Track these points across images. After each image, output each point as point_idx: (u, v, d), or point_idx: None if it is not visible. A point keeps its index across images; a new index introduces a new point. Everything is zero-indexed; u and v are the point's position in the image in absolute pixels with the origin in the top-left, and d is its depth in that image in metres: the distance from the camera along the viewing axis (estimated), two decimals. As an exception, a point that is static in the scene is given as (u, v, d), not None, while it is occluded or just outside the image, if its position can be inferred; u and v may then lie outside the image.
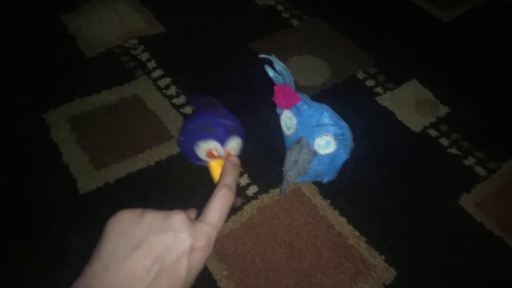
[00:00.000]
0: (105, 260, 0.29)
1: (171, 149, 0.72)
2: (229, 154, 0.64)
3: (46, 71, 0.84)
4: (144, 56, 0.86)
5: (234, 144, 0.64)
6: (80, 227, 0.64)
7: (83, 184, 0.68)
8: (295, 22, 0.98)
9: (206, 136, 0.62)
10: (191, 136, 0.63)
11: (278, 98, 0.65)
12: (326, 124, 0.61)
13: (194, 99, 0.67)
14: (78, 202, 0.66)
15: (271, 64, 0.63)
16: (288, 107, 0.64)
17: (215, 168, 0.65)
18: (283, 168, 0.64)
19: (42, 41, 0.90)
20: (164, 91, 0.81)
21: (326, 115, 0.61)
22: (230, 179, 0.38)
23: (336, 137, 0.62)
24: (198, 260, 0.30)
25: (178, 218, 0.31)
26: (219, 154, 0.63)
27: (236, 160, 0.41)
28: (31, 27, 0.92)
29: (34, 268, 0.60)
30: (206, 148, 0.62)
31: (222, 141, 0.62)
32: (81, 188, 0.67)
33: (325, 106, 0.61)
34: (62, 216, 0.65)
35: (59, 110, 0.77)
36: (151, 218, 0.30)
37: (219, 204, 0.34)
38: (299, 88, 0.83)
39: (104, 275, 0.28)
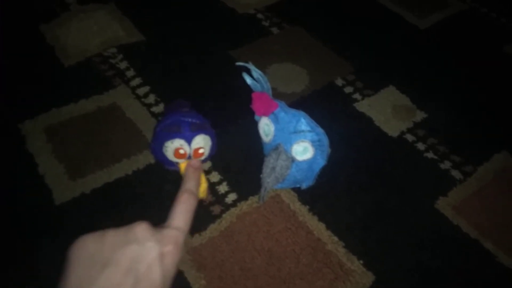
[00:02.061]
0: (76, 285, 0.28)
1: (149, 158, 0.72)
2: (197, 152, 0.64)
3: (23, 80, 0.83)
4: (123, 65, 0.86)
5: (201, 141, 0.63)
6: (56, 239, 0.62)
7: (58, 195, 0.67)
8: (275, 30, 0.98)
9: (170, 135, 0.61)
10: (158, 139, 0.62)
11: (256, 105, 0.65)
12: (303, 131, 0.62)
13: (167, 105, 0.67)
14: (53, 213, 0.65)
15: (248, 72, 0.64)
16: (265, 114, 0.64)
17: (184, 168, 0.64)
18: (261, 175, 0.64)
19: (20, 50, 0.89)
20: (143, 99, 0.80)
21: (303, 122, 0.61)
22: (192, 184, 0.39)
23: (313, 143, 0.62)
24: (170, 264, 0.30)
25: (140, 229, 0.31)
26: (185, 152, 0.62)
27: (197, 164, 0.42)
28: (9, 36, 0.91)
29: (7, 281, 0.58)
30: (173, 147, 0.62)
31: (187, 139, 0.61)
32: (56, 199, 0.66)
33: (302, 113, 0.62)
34: (38, 228, 0.64)
35: (35, 120, 0.76)
36: (113, 235, 0.30)
37: (182, 208, 0.35)
38: (279, 95, 0.84)
39: None
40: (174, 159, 0.64)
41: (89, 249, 0.30)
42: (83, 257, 0.30)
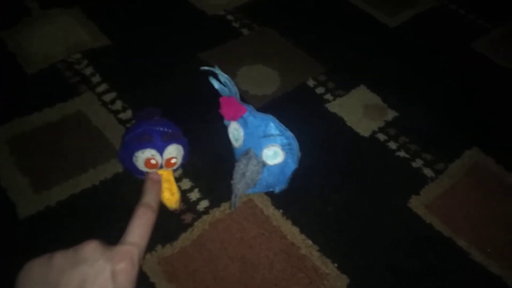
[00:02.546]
0: None
1: (117, 167, 0.70)
2: (169, 162, 0.62)
3: (-17, 90, 0.80)
4: (88, 71, 0.84)
5: (173, 151, 0.62)
6: (21, 255, 0.60)
7: (22, 209, 0.64)
8: (245, 31, 0.97)
9: (141, 145, 0.60)
10: (128, 148, 0.60)
11: (224, 110, 0.64)
12: (272, 135, 0.61)
13: (137, 114, 0.65)
14: (18, 228, 0.63)
15: (215, 76, 0.62)
16: (234, 118, 0.63)
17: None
18: (231, 181, 0.63)
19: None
20: (109, 106, 0.78)
21: (272, 126, 0.60)
22: (150, 197, 0.37)
23: (283, 147, 0.61)
24: (124, 282, 0.29)
25: (89, 248, 0.29)
26: (157, 162, 0.61)
27: (157, 177, 0.40)
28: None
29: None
30: (143, 157, 0.60)
31: (159, 149, 0.60)
32: (20, 213, 0.64)
33: (270, 117, 0.61)
34: (2, 243, 0.61)
35: (-3, 131, 0.73)
36: (61, 257, 0.28)
37: (138, 223, 0.33)
38: (250, 98, 0.83)
39: None
40: (145, 169, 0.63)
41: (36, 274, 0.29)
42: (31, 283, 0.28)
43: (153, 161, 0.61)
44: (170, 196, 0.63)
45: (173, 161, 0.63)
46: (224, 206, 0.67)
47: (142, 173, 0.64)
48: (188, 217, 0.65)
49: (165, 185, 0.63)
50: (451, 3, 1.12)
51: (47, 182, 0.67)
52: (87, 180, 0.68)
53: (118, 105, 0.78)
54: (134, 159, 0.61)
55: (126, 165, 0.64)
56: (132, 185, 0.67)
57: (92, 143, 0.73)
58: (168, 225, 0.64)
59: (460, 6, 1.11)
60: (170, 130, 0.60)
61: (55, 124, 0.75)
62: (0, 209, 0.64)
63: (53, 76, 0.83)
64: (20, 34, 0.90)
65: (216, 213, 0.66)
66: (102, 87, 0.81)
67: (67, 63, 0.85)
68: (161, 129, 0.60)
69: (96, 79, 0.82)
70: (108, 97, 0.79)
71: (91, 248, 0.29)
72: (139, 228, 0.33)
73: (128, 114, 0.77)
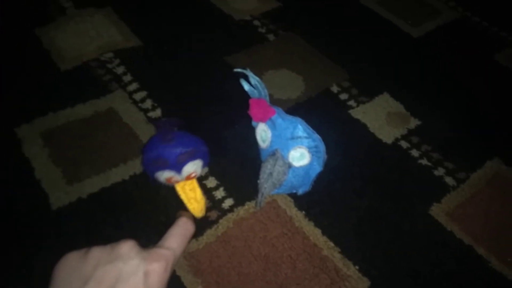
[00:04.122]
0: None
1: (146, 162, 0.72)
2: (189, 177, 0.64)
3: (19, 84, 0.83)
4: (120, 70, 0.86)
5: (191, 168, 0.64)
6: (53, 244, 0.62)
7: (55, 200, 0.67)
8: (271, 37, 0.99)
9: (159, 168, 0.61)
10: (148, 169, 0.63)
11: (253, 111, 0.66)
12: (300, 137, 0.63)
13: (155, 123, 0.67)
14: (50, 218, 0.65)
15: (246, 78, 0.64)
16: (263, 120, 0.65)
17: (179, 189, 0.65)
18: (258, 181, 0.65)
19: (15, 54, 0.89)
20: (139, 104, 0.81)
21: (300, 128, 0.62)
22: (190, 215, 0.38)
23: (310, 149, 0.63)
24: (155, 284, 0.29)
25: (126, 246, 0.30)
26: (177, 180, 0.63)
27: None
28: (4, 40, 0.91)
29: (4, 286, 0.58)
30: (164, 177, 0.63)
31: (177, 170, 0.62)
32: (53, 204, 0.66)
33: (299, 119, 0.63)
34: (34, 233, 0.64)
35: (32, 124, 0.76)
36: (97, 252, 0.30)
37: (177, 231, 0.34)
38: (275, 102, 0.85)
39: None
40: (167, 184, 0.65)
41: (72, 266, 0.30)
42: (65, 273, 0.30)
43: (173, 179, 0.64)
44: (196, 204, 0.65)
45: (192, 175, 0.66)
46: (248, 205, 0.69)
47: (160, 181, 0.66)
48: (213, 214, 0.67)
49: (190, 195, 0.66)
50: (474, 15, 1.13)
51: (79, 175, 0.70)
52: (117, 175, 0.70)
53: (148, 103, 0.81)
54: (155, 176, 0.63)
55: (150, 176, 0.65)
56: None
57: (122, 139, 0.75)
58: (194, 221, 0.66)
59: (483, 19, 1.12)
60: (186, 150, 0.62)
61: (87, 119, 0.77)
62: (34, 199, 0.67)
63: (86, 73, 0.86)
64: (55, 32, 0.93)
65: (241, 211, 0.68)
66: (133, 86, 0.83)
67: (100, 61, 0.88)
68: (176, 151, 0.61)
69: (127, 78, 0.85)
70: (138, 96, 0.82)
71: (128, 247, 0.30)
72: (178, 236, 0.34)
73: (157, 113, 0.79)
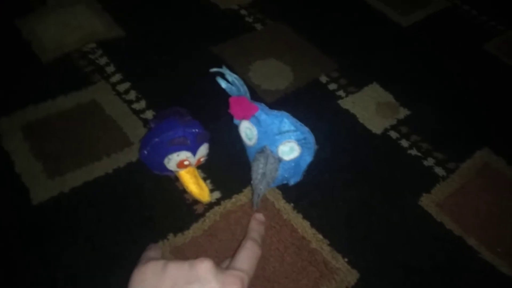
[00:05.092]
0: None
1: (130, 156, 0.70)
2: (198, 161, 0.64)
3: (-2, 76, 0.80)
4: (103, 61, 0.84)
5: (204, 150, 0.64)
6: (34, 239, 0.61)
7: (36, 194, 0.64)
8: (258, 26, 0.97)
9: (177, 148, 0.60)
10: (159, 149, 0.61)
11: (234, 110, 0.64)
12: (287, 131, 0.61)
13: (162, 112, 0.66)
14: (31, 213, 0.63)
15: (223, 76, 0.62)
16: (246, 118, 0.63)
17: (185, 176, 0.64)
18: (251, 182, 0.63)
19: (-6, 45, 0.86)
20: (123, 96, 0.78)
21: (287, 122, 0.60)
22: (256, 234, 0.39)
23: (299, 141, 0.61)
24: None
25: (203, 267, 0.30)
26: (189, 163, 0.62)
27: (262, 218, 0.42)
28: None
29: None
30: (178, 159, 0.61)
31: (193, 151, 0.62)
32: (34, 199, 0.64)
33: (284, 113, 0.61)
34: (14, 228, 0.62)
35: (11, 117, 0.73)
36: (175, 270, 0.30)
37: (247, 254, 0.35)
38: (263, 92, 0.83)
39: None
40: (175, 169, 0.63)
41: (149, 279, 0.29)
42: (143, 286, 0.30)
43: (186, 162, 0.63)
44: (201, 190, 0.64)
45: (202, 159, 0.65)
46: (236, 197, 0.68)
47: (167, 170, 0.65)
48: (200, 208, 0.66)
49: (193, 181, 0.65)
50: (464, 3, 1.12)
51: (61, 169, 0.68)
52: (100, 168, 0.68)
53: (132, 95, 0.79)
54: (166, 160, 0.62)
55: (150, 163, 0.64)
56: (144, 174, 0.68)
57: (105, 131, 0.73)
58: (180, 214, 0.65)
59: (473, 7, 1.11)
60: (201, 131, 0.61)
61: (69, 112, 0.75)
62: (14, 194, 0.65)
63: (67, 64, 0.83)
64: (35, 22, 0.90)
65: (228, 204, 0.67)
66: (116, 77, 0.81)
67: (82, 52, 0.85)
68: (195, 130, 0.61)
69: (110, 69, 0.82)
70: (122, 87, 0.80)
71: (206, 268, 0.29)
72: (248, 259, 0.35)
73: (142, 104, 0.77)
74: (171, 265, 0.30)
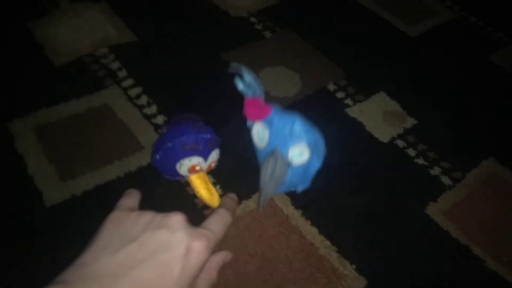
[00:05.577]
0: (97, 251, 0.29)
1: (141, 160, 0.71)
2: (209, 166, 0.65)
3: (11, 79, 0.81)
4: (115, 65, 0.85)
5: (215, 156, 0.65)
6: (46, 241, 0.61)
7: (49, 197, 0.65)
8: (267, 34, 0.99)
9: (189, 153, 0.61)
10: (171, 154, 0.62)
11: (248, 111, 0.65)
12: (299, 133, 0.62)
13: (172, 117, 0.67)
14: (43, 216, 0.64)
15: (241, 76, 0.63)
16: (259, 119, 0.64)
17: (196, 181, 0.65)
18: (260, 184, 0.64)
19: (7, 48, 0.87)
20: (135, 100, 0.79)
21: (299, 123, 0.61)
22: (229, 205, 0.39)
23: (310, 145, 0.62)
24: (194, 262, 0.30)
25: (176, 218, 0.31)
26: (201, 168, 0.63)
27: (235, 197, 0.41)
28: (-4, 33, 0.89)
29: (-4, 285, 0.57)
30: (189, 165, 0.62)
31: (205, 156, 0.62)
32: (46, 201, 0.65)
33: (297, 115, 0.62)
34: (27, 230, 0.63)
35: (24, 120, 0.74)
36: (149, 216, 0.31)
37: (218, 218, 0.35)
38: (272, 99, 0.84)
39: (94, 264, 0.28)
40: (186, 174, 0.64)
41: (121, 221, 0.31)
42: (113, 228, 0.31)
43: (197, 167, 0.63)
44: (211, 196, 0.65)
45: (213, 165, 0.66)
46: (245, 203, 0.68)
47: (178, 175, 0.65)
48: (210, 212, 0.66)
49: (203, 186, 0.65)
50: (471, 15, 1.13)
51: (73, 172, 0.69)
52: (112, 172, 0.69)
53: (144, 100, 0.80)
54: (177, 165, 0.62)
55: (162, 168, 0.65)
56: (155, 179, 0.69)
57: (117, 135, 0.74)
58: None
59: (479, 19, 1.12)
60: (213, 137, 0.62)
61: (81, 115, 0.76)
62: (27, 196, 0.66)
63: (80, 68, 0.84)
64: (48, 26, 0.91)
65: (237, 210, 0.67)
66: (128, 82, 0.82)
67: (94, 56, 0.86)
68: (207, 136, 0.62)
69: (122, 73, 0.84)
70: (133, 92, 0.81)
71: (177, 219, 0.31)
72: (218, 222, 0.34)
73: (153, 109, 0.78)
74: (147, 212, 0.32)
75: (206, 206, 0.67)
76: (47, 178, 0.67)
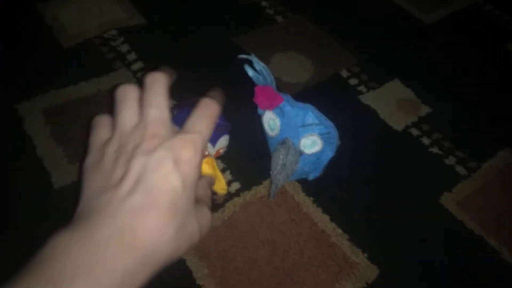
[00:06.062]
0: (87, 197, 0.29)
1: (151, 143, 0.70)
2: (218, 152, 0.63)
3: (20, 60, 0.80)
4: (124, 48, 0.84)
5: (224, 142, 0.63)
6: (54, 223, 0.61)
7: (57, 179, 0.65)
8: (279, 18, 0.97)
9: None
10: None
11: (259, 99, 0.63)
12: (311, 124, 0.60)
13: (184, 101, 0.65)
14: (52, 197, 0.63)
15: (251, 64, 0.62)
16: (270, 108, 0.63)
17: (204, 167, 0.63)
18: (270, 172, 0.63)
19: (16, 29, 0.86)
20: (144, 84, 0.78)
21: (311, 115, 0.60)
22: (212, 93, 0.35)
23: (322, 136, 0.61)
24: (188, 170, 0.28)
25: (149, 134, 0.29)
26: (208, 154, 0.62)
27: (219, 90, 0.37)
28: (4, 15, 0.88)
29: (4, 262, 0.56)
30: None
31: (213, 142, 0.61)
32: (55, 183, 0.64)
33: (310, 106, 0.60)
34: (36, 212, 0.62)
35: (33, 101, 0.73)
36: (122, 151, 0.30)
37: (203, 112, 0.32)
38: (283, 85, 0.83)
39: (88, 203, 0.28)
40: None
41: (96, 172, 0.30)
42: (91, 180, 0.30)
43: (205, 152, 0.61)
44: (218, 182, 0.64)
45: (221, 151, 0.64)
46: (255, 189, 0.67)
47: None
48: (220, 198, 0.66)
49: (210, 172, 0.64)
50: (488, 3, 1.10)
51: (82, 154, 0.67)
52: (121, 155, 0.68)
53: (153, 83, 0.78)
54: None
55: None
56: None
57: (126, 119, 0.73)
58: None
59: (496, 7, 1.10)
60: (223, 122, 0.61)
61: (90, 98, 0.75)
62: (36, 177, 0.65)
63: (88, 51, 0.83)
64: (57, 8, 0.90)
65: (247, 196, 0.66)
66: (137, 65, 0.81)
67: (103, 39, 0.85)
68: (217, 121, 0.60)
69: (131, 56, 0.82)
70: (143, 75, 0.79)
71: (149, 140, 0.28)
72: (203, 117, 0.31)
73: (162, 92, 0.77)
74: (113, 141, 0.31)
75: (215, 192, 0.66)
76: (55, 159, 0.67)
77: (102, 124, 0.33)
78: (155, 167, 0.27)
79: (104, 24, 0.88)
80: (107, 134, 0.32)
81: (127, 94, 0.31)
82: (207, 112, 0.32)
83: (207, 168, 0.65)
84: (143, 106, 0.31)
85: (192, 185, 0.28)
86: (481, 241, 0.65)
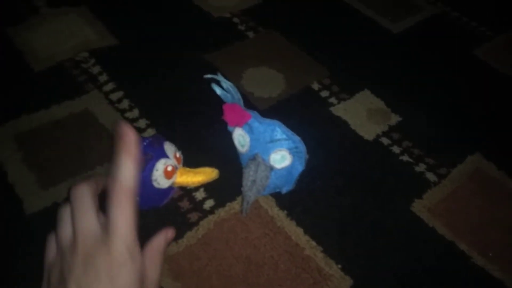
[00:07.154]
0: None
1: (123, 165, 0.70)
2: (177, 158, 0.62)
3: (-10, 86, 0.80)
4: (96, 69, 0.84)
5: (171, 147, 0.61)
6: (26, 250, 0.60)
7: (29, 205, 0.64)
8: (251, 34, 0.98)
9: (150, 166, 0.58)
10: (145, 181, 0.58)
11: (228, 116, 0.65)
12: (279, 139, 0.62)
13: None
14: (24, 223, 0.63)
15: (218, 83, 0.63)
16: (239, 125, 0.64)
17: (182, 178, 0.62)
18: (242, 189, 0.64)
19: (-14, 55, 0.86)
20: (116, 105, 0.79)
21: (279, 131, 0.61)
22: (126, 172, 0.29)
23: (291, 150, 0.62)
24: (126, 276, 0.28)
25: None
26: (172, 166, 0.61)
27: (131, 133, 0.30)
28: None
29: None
30: (161, 173, 0.59)
31: (162, 155, 0.59)
32: (27, 209, 0.64)
33: (277, 122, 0.62)
34: (7, 239, 0.62)
35: (4, 127, 0.73)
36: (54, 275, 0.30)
37: (117, 204, 0.28)
38: (256, 100, 0.84)
39: None
40: (170, 183, 0.60)
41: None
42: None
43: (169, 168, 0.60)
44: (205, 175, 0.63)
45: (177, 155, 0.63)
46: (229, 206, 0.68)
47: (168, 191, 0.62)
48: (193, 216, 0.66)
49: (191, 175, 0.63)
50: (454, 10, 1.13)
51: (54, 179, 0.67)
52: (94, 178, 0.68)
53: (125, 104, 0.79)
54: (155, 184, 0.59)
55: (151, 201, 0.61)
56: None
57: (99, 141, 0.73)
58: (173, 223, 0.65)
59: (462, 14, 1.13)
60: (151, 138, 0.60)
61: (62, 121, 0.75)
62: (7, 204, 0.64)
63: (60, 74, 0.83)
64: (27, 32, 0.90)
65: (221, 212, 0.67)
66: (109, 86, 0.81)
67: (74, 61, 0.85)
68: (145, 143, 0.59)
69: (103, 77, 0.83)
70: (115, 96, 0.80)
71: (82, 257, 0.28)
72: (120, 213, 0.28)
73: (135, 113, 0.78)
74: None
75: (189, 210, 0.66)
76: (27, 185, 0.66)
77: (49, 244, 0.33)
78: None
79: (75, 46, 0.88)
80: (54, 252, 0.32)
81: (73, 203, 0.31)
82: (123, 203, 0.28)
83: (186, 176, 0.63)
84: (73, 223, 0.30)
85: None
86: (453, 246, 0.67)
